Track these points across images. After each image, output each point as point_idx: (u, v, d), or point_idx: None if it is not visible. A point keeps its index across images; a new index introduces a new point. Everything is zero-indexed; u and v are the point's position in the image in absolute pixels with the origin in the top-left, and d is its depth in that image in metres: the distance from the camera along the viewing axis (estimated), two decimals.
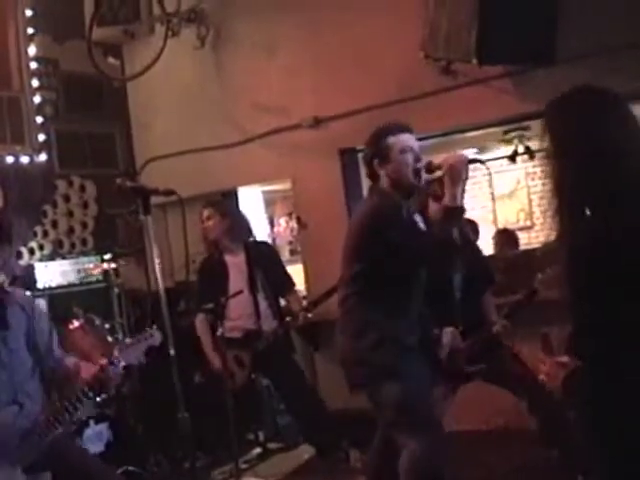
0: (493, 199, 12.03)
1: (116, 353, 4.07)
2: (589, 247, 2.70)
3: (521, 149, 9.15)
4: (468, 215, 4.80)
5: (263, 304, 6.60)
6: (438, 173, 4.45)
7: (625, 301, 2.66)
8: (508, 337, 5.48)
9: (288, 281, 6.82)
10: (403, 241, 4.28)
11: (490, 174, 11.15)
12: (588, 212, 2.76)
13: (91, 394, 4.05)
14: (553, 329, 2.87)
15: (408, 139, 4.52)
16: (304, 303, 6.76)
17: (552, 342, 2.87)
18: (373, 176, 4.59)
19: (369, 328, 4.42)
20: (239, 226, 6.75)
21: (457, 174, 4.27)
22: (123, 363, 4.04)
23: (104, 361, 4.02)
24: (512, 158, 9.43)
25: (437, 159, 4.44)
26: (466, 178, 4.31)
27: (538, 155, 9.30)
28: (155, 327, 4.20)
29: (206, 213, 6.64)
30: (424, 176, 4.51)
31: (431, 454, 4.25)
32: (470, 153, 4.65)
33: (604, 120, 2.81)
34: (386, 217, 4.39)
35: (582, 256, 2.72)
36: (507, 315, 5.48)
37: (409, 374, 4.37)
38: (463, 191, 4.32)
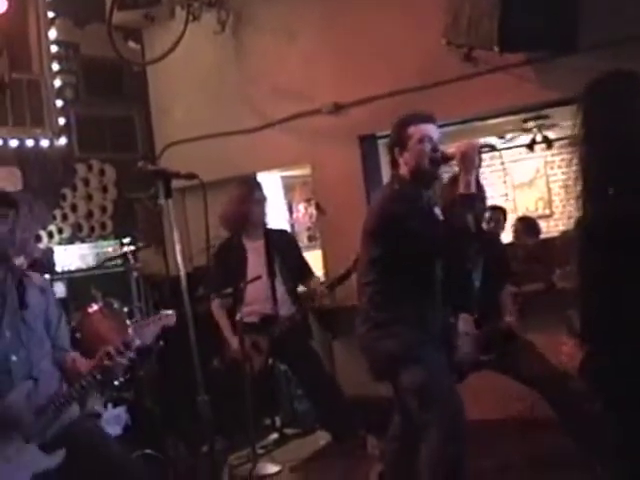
0: (508, 187, 11.99)
1: (131, 332, 4.08)
2: (606, 229, 2.69)
3: (539, 138, 9.13)
4: (489, 203, 4.81)
5: (281, 289, 6.60)
6: (453, 162, 4.49)
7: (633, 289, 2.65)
8: (519, 329, 5.51)
9: (307, 269, 6.81)
10: (421, 230, 4.31)
11: (503, 162, 11.22)
12: (611, 195, 2.74)
13: (99, 378, 4.05)
14: (575, 312, 2.86)
15: (428, 129, 4.55)
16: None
17: (575, 324, 2.87)
18: (394, 164, 4.63)
19: (389, 316, 4.45)
20: (265, 206, 6.79)
21: (469, 161, 4.33)
22: (138, 342, 4.05)
23: (110, 348, 4.02)
24: (530, 147, 9.42)
25: (449, 148, 4.47)
26: (479, 165, 4.35)
27: (556, 144, 9.30)
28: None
29: (258, 196, 6.68)
30: (440, 166, 4.54)
31: (453, 441, 4.26)
32: (482, 140, 4.66)
33: (636, 104, 2.80)
34: (405, 204, 4.42)
35: (598, 238, 2.71)
36: (521, 307, 5.51)
37: (430, 361, 4.39)
38: (477, 178, 4.35)
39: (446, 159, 4.49)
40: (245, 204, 6.60)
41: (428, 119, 4.59)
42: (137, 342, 4.05)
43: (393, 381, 4.54)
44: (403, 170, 4.56)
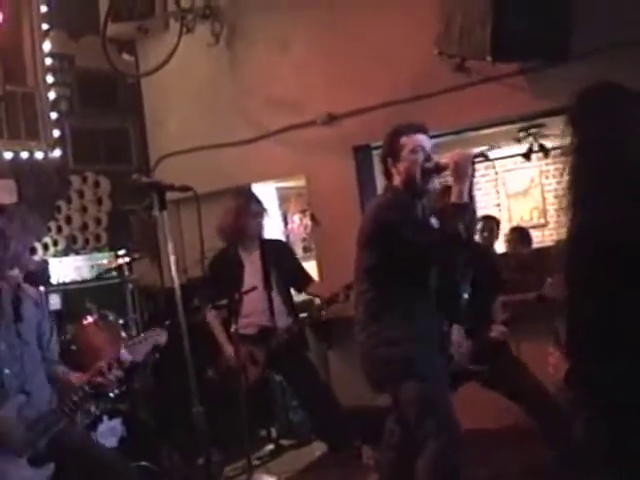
0: (502, 197, 12.00)
1: (123, 350, 4.12)
2: (596, 237, 2.70)
3: (536, 147, 9.13)
4: (483, 212, 4.82)
5: (277, 300, 6.60)
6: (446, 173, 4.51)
7: (623, 296, 2.65)
8: (508, 339, 5.55)
9: (305, 276, 6.83)
10: (415, 237, 4.32)
11: (496, 172, 11.24)
12: (601, 204, 2.75)
13: (90, 392, 4.08)
14: (561, 322, 2.87)
15: (421, 139, 4.57)
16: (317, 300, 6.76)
17: (561, 334, 2.88)
18: (388, 174, 4.65)
19: (386, 324, 4.45)
20: (262, 219, 6.78)
21: (462, 171, 4.34)
22: (130, 359, 4.10)
23: (102, 364, 4.07)
24: (527, 156, 9.42)
25: (443, 158, 4.48)
26: (472, 175, 4.36)
27: (553, 153, 9.30)
28: (167, 323, 4.27)
29: (256, 209, 6.68)
30: (433, 176, 4.55)
31: (450, 452, 4.28)
32: (476, 149, 4.66)
33: (627, 116, 2.81)
34: (399, 212, 4.44)
35: (588, 247, 2.72)
36: (508, 319, 5.54)
37: (429, 371, 4.40)
38: (470, 188, 4.36)
39: (439, 169, 4.50)
40: (242, 217, 6.60)
41: (420, 129, 4.61)
42: (129, 359, 4.11)
43: (392, 390, 4.53)
44: (396, 180, 4.57)
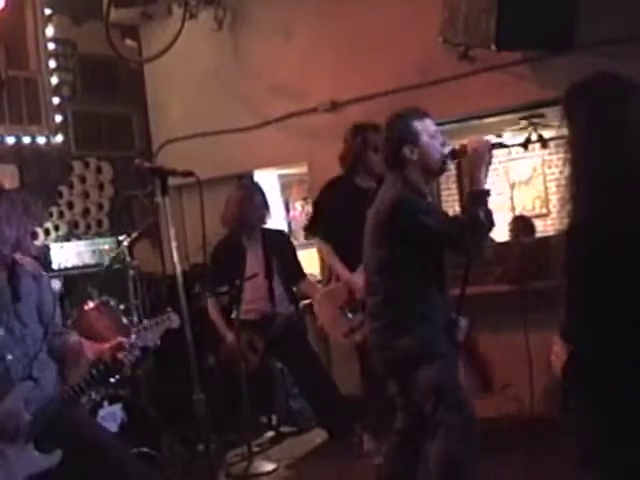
0: (505, 186, 11.98)
1: (134, 335, 4.07)
2: (595, 229, 2.69)
3: (534, 137, 9.11)
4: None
5: (279, 289, 6.64)
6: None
7: (621, 285, 2.65)
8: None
9: (299, 270, 6.87)
10: (444, 230, 4.26)
11: (499, 161, 11.20)
12: (601, 197, 2.74)
13: (102, 372, 4.05)
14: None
15: (433, 124, 4.47)
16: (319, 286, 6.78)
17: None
18: (398, 161, 4.45)
19: (403, 313, 4.38)
20: (265, 210, 6.81)
21: (480, 158, 4.26)
22: (140, 344, 4.05)
23: (124, 339, 4.03)
24: (524, 146, 9.38)
25: (457, 144, 4.43)
26: (489, 163, 4.29)
27: (551, 143, 9.28)
28: (171, 310, 4.20)
29: (258, 201, 6.71)
30: (449, 163, 4.50)
31: (466, 440, 4.27)
32: (493, 138, 4.58)
33: (625, 107, 2.79)
34: (418, 201, 4.35)
35: (586, 236, 2.71)
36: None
37: (447, 360, 4.38)
38: (486, 175, 4.30)
39: (456, 155, 4.42)
40: (245, 207, 6.63)
41: (427, 114, 4.50)
42: (140, 344, 4.06)
43: (406, 378, 4.44)
44: (411, 167, 4.42)
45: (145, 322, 4.19)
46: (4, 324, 3.96)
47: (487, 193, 4.29)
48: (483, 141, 4.32)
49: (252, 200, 6.65)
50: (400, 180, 4.45)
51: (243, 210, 6.63)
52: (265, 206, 6.75)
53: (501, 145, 4.60)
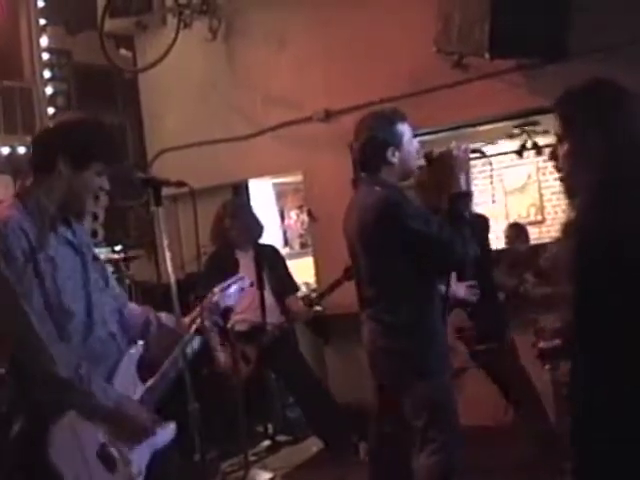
0: (499, 193, 11.99)
1: (215, 298, 3.97)
2: (596, 232, 2.70)
3: (529, 144, 9.13)
4: (479, 210, 4.78)
5: (270, 300, 6.65)
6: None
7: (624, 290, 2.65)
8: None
9: (291, 284, 6.90)
10: (430, 231, 4.18)
11: (492, 168, 11.20)
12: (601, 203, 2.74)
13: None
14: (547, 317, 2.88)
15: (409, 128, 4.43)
16: (313, 295, 6.79)
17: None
18: (378, 164, 4.38)
19: (401, 323, 4.30)
20: (254, 226, 6.84)
21: (460, 165, 4.23)
22: (224, 305, 3.96)
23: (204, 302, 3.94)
24: (519, 153, 9.42)
25: (437, 151, 4.38)
26: (468, 169, 4.26)
27: (546, 150, 9.30)
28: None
29: (238, 215, 6.76)
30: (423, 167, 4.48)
31: (454, 453, 4.25)
32: (472, 145, 4.53)
33: (621, 113, 2.80)
34: (406, 207, 4.27)
35: (588, 241, 2.71)
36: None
37: (445, 376, 4.33)
38: (468, 179, 4.25)
39: (431, 160, 4.37)
40: (222, 224, 6.71)
41: (405, 116, 4.44)
42: (222, 305, 3.96)
43: (403, 390, 4.35)
44: (389, 170, 4.34)
45: (218, 287, 4.08)
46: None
47: (469, 195, 4.30)
48: (463, 148, 4.28)
49: (230, 218, 6.73)
50: (377, 184, 4.37)
51: (222, 225, 6.73)
52: (253, 226, 6.79)
53: (480, 152, 4.55)
